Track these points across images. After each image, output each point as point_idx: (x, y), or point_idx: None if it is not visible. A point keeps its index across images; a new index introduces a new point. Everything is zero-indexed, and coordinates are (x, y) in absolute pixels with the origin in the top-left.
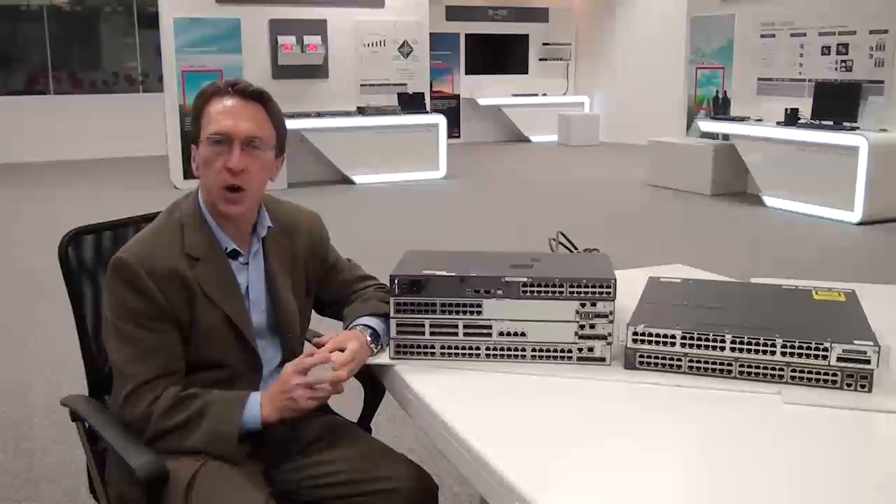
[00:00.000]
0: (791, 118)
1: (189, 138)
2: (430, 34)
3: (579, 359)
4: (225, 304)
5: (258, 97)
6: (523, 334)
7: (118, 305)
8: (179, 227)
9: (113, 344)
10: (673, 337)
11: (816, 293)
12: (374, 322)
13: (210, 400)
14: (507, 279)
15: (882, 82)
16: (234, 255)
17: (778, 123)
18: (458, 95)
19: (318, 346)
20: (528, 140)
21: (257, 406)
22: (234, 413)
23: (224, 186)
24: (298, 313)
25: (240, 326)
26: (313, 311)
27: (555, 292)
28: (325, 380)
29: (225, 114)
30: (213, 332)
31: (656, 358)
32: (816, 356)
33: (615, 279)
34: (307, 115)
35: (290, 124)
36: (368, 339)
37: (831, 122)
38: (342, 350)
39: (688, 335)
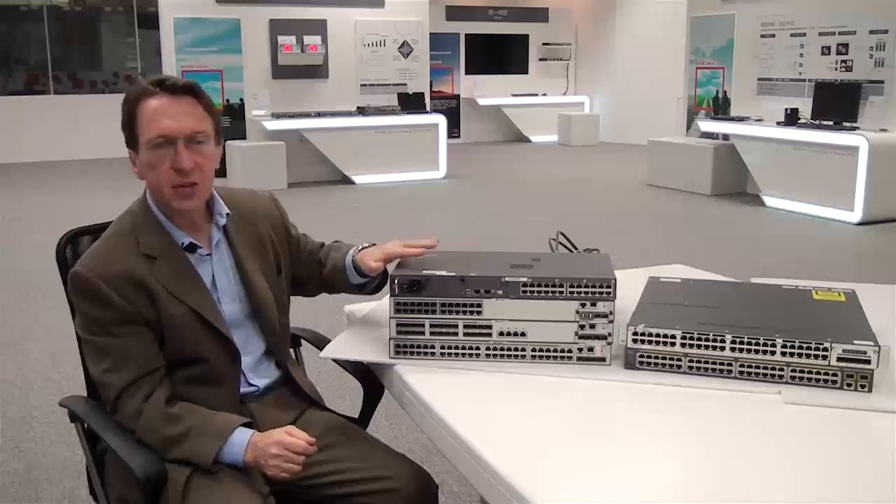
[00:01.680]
0: (791, 118)
1: (126, 143)
2: (430, 34)
3: (579, 359)
4: (188, 298)
5: (189, 90)
6: (523, 334)
7: (84, 318)
8: (132, 230)
9: (88, 357)
10: (673, 337)
11: (816, 293)
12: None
13: (192, 425)
14: (507, 279)
15: (882, 82)
16: (192, 248)
17: (778, 123)
18: (458, 95)
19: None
20: (528, 140)
21: (243, 445)
22: (211, 447)
23: (174, 186)
24: (273, 295)
25: (207, 317)
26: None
27: (555, 292)
28: (297, 460)
29: (162, 114)
30: (183, 327)
31: (656, 358)
32: (816, 356)
33: (615, 279)
34: (307, 115)
35: (290, 124)
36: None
37: (831, 122)
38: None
39: (688, 335)
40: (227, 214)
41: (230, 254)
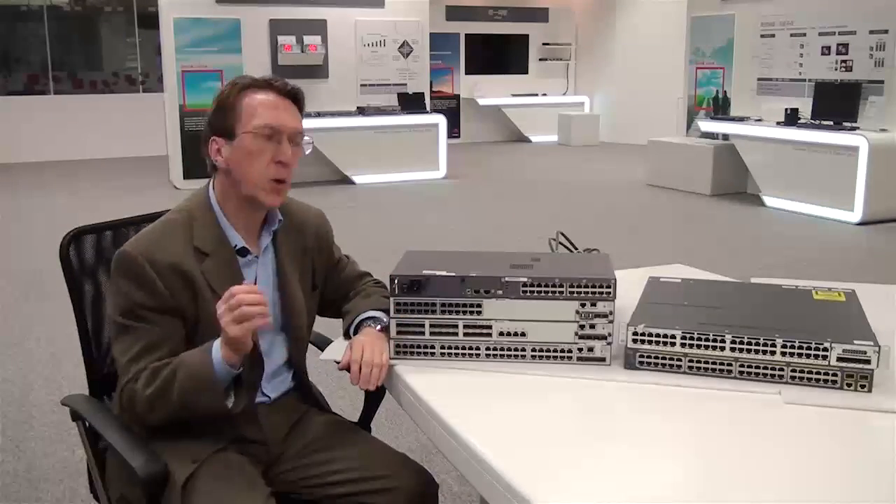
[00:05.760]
0: (791, 118)
1: (209, 129)
2: (430, 34)
3: (579, 359)
4: None
5: (294, 95)
6: (523, 334)
7: (123, 300)
8: (189, 222)
9: (117, 342)
10: (673, 337)
11: (816, 293)
12: (379, 314)
13: (180, 359)
14: (507, 279)
15: (882, 82)
16: (243, 252)
17: (778, 123)
18: (458, 95)
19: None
20: (528, 140)
21: (218, 349)
22: (204, 358)
23: (274, 179)
24: (305, 308)
25: None
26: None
27: (555, 292)
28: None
29: (272, 107)
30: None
31: (656, 358)
32: (816, 356)
33: (615, 279)
34: (307, 115)
35: None
36: (378, 328)
37: (831, 122)
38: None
39: (688, 335)
40: (280, 221)
41: (274, 261)
